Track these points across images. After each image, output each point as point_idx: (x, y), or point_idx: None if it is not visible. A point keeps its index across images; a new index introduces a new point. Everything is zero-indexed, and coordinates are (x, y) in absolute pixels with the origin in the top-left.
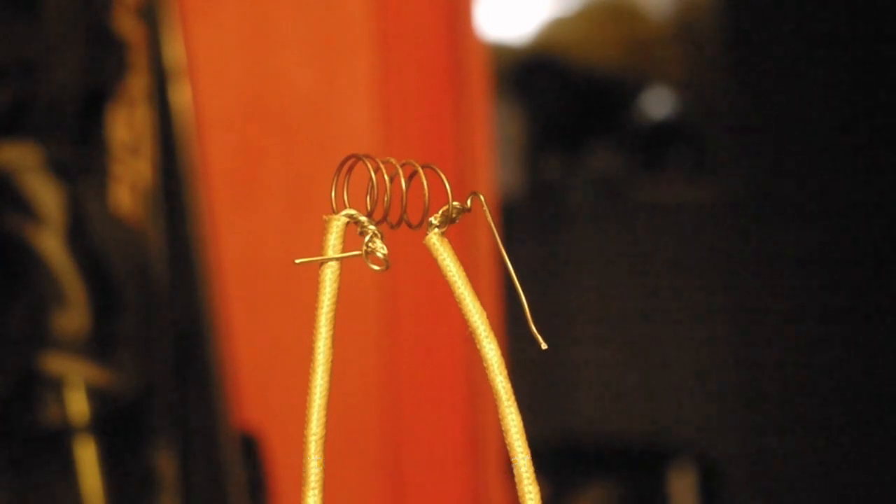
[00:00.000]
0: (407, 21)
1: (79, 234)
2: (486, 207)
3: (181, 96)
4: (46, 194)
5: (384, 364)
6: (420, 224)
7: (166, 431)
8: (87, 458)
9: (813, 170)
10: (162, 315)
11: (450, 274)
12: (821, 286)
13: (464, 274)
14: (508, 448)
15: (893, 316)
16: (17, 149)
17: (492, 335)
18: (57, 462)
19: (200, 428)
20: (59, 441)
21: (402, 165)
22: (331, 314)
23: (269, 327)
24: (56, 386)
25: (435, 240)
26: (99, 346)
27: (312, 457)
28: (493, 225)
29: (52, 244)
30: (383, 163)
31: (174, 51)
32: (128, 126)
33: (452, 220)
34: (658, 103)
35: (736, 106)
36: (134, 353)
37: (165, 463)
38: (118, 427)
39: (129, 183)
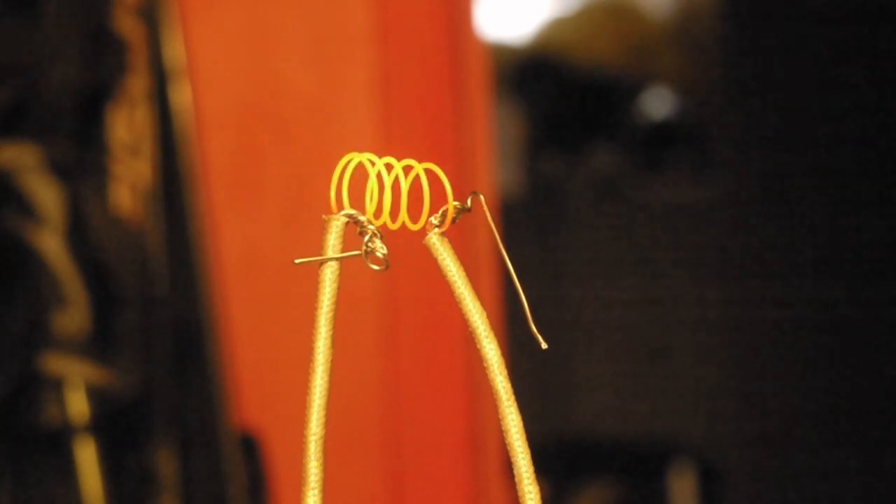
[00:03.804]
0: (407, 21)
1: (79, 234)
2: (486, 207)
3: (181, 96)
4: (46, 194)
5: (384, 364)
6: (420, 224)
7: (166, 431)
8: (87, 458)
9: (813, 170)
10: (162, 315)
11: (450, 274)
12: (821, 286)
13: (464, 274)
14: (508, 448)
15: (895, 316)
16: (17, 149)
17: (492, 335)
18: (57, 462)
19: (200, 428)
20: (59, 441)
21: (403, 166)
22: (330, 314)
23: (269, 327)
24: (56, 386)
25: (435, 240)
26: (99, 345)
27: (312, 457)
28: (493, 225)
29: (52, 244)
30: (383, 163)
31: (174, 51)
32: (128, 126)
33: (452, 220)
34: (658, 103)
35: (736, 106)
36: (134, 353)
37: (165, 463)
38: (118, 427)
39: (129, 183)
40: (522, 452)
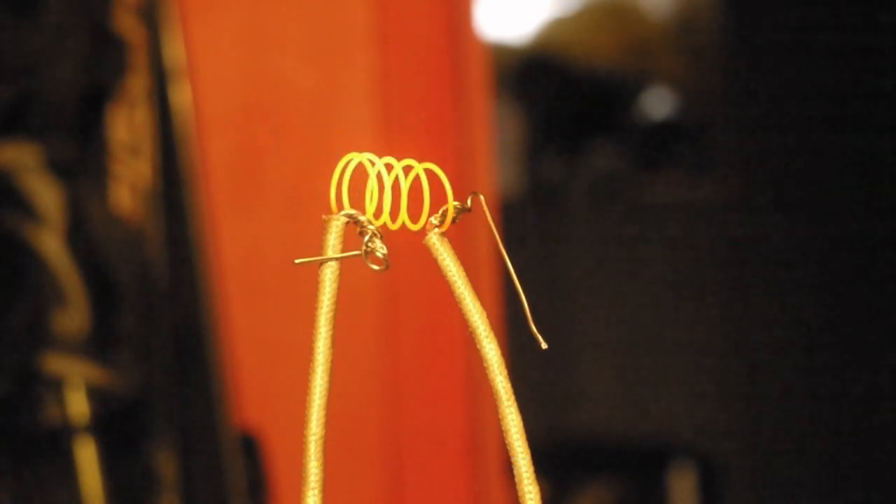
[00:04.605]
0: (407, 21)
1: (79, 234)
2: (486, 207)
3: (181, 96)
4: (46, 194)
5: (384, 364)
6: (420, 224)
7: (166, 431)
8: (87, 458)
9: (813, 170)
10: (162, 315)
11: (450, 274)
12: (821, 286)
13: (464, 274)
14: (508, 448)
15: (894, 315)
16: (17, 149)
17: (492, 335)
18: (57, 462)
19: (200, 428)
20: (59, 441)
21: (403, 166)
22: (330, 314)
23: (269, 327)
24: (56, 386)
25: (435, 240)
26: (99, 346)
27: (312, 457)
28: (493, 225)
29: (52, 244)
30: (383, 163)
31: (174, 51)
32: (128, 126)
33: (452, 220)
34: (658, 103)
35: (736, 106)
36: (134, 353)
37: (165, 463)
38: (118, 427)
39: (129, 183)
40: (522, 452)
